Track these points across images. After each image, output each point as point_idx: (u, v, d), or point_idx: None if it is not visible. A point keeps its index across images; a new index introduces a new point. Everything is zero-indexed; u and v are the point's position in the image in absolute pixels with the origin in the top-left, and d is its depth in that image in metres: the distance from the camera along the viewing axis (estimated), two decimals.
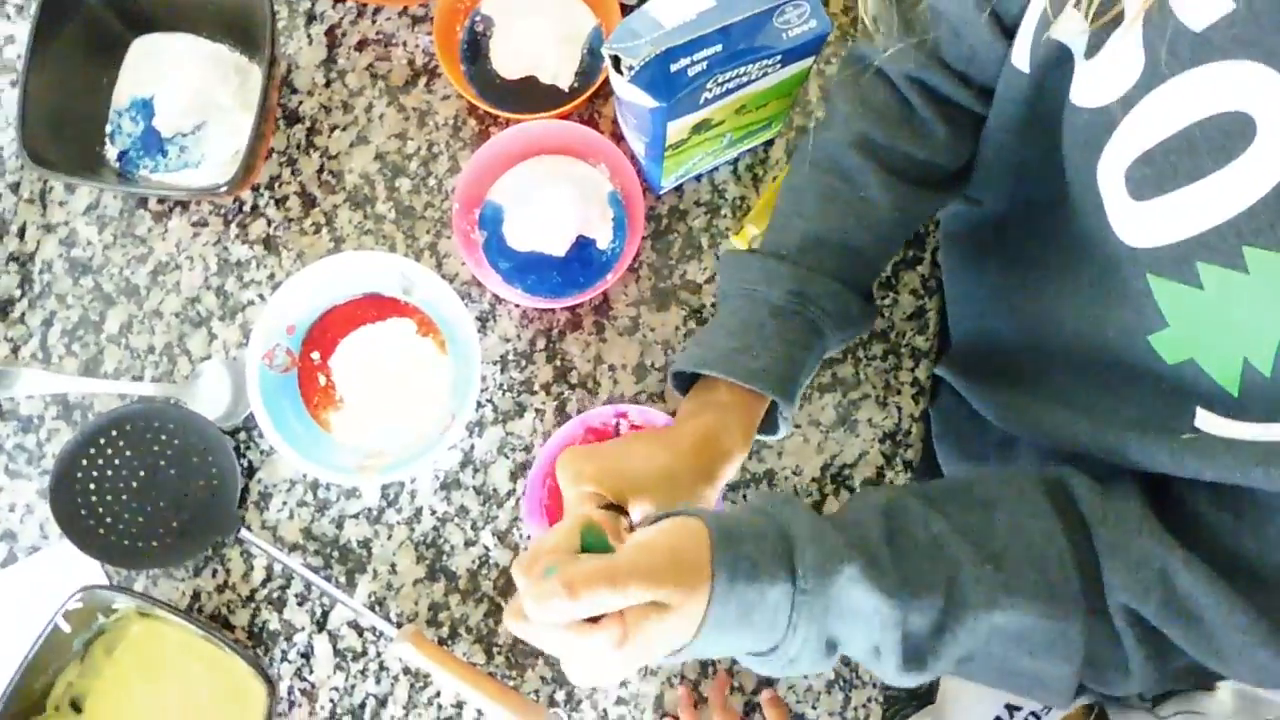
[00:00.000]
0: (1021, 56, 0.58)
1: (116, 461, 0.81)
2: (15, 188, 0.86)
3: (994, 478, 0.59)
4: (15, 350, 0.85)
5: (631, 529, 0.59)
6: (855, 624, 0.52)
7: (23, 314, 0.85)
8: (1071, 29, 0.54)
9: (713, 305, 0.86)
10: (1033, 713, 0.72)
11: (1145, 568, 0.51)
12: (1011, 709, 0.77)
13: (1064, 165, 0.59)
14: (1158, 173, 0.49)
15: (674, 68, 0.64)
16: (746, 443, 0.66)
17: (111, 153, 0.85)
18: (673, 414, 0.74)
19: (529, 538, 0.82)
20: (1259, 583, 0.48)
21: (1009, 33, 0.61)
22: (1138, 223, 0.51)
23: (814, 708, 0.82)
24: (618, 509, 0.60)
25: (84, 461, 0.80)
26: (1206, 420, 0.51)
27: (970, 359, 0.80)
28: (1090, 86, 0.53)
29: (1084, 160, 0.55)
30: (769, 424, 0.70)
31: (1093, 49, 0.52)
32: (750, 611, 0.51)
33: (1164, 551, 0.50)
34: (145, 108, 0.85)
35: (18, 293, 0.85)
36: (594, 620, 0.50)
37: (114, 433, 0.81)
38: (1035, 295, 0.67)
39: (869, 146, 0.69)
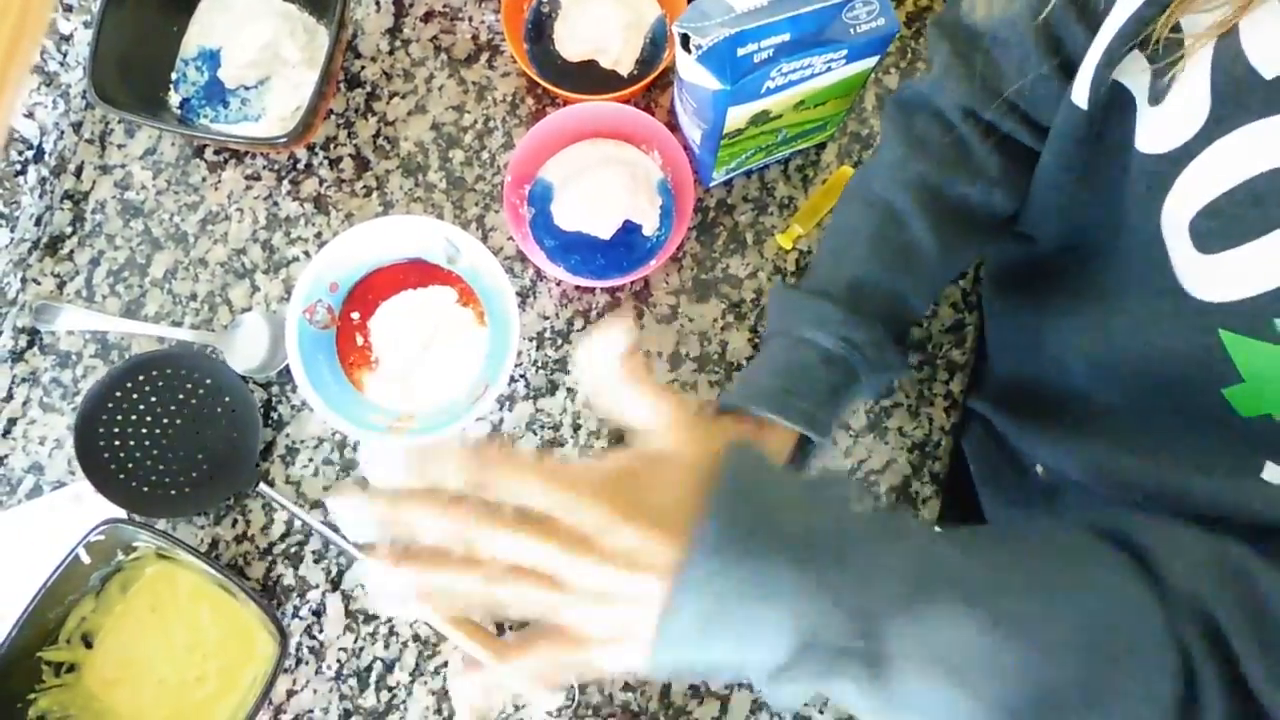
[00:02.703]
0: (1081, 94, 0.57)
1: (141, 406, 0.81)
2: (77, 127, 0.87)
3: (1058, 529, 0.52)
4: (61, 286, 0.86)
5: None
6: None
7: (71, 251, 0.86)
8: (1134, 69, 0.53)
9: (753, 300, 0.86)
10: None
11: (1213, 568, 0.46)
12: None
13: (1124, 211, 0.57)
14: (1224, 226, 0.48)
15: (741, 51, 0.65)
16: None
17: (174, 99, 0.87)
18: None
19: None
20: None
21: (1069, 69, 0.59)
22: (1206, 276, 0.49)
23: (821, 711, 0.81)
24: None
25: (109, 404, 0.80)
26: (1275, 473, 0.49)
27: (1015, 397, 0.78)
28: (1154, 132, 0.52)
29: (1146, 208, 0.54)
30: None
31: (1159, 94, 0.51)
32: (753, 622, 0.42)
33: (1238, 553, 0.45)
34: (211, 58, 0.87)
35: (69, 230, 0.86)
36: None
37: (141, 377, 0.81)
38: (1094, 340, 0.64)
39: (922, 189, 0.68)
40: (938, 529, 0.49)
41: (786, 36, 0.65)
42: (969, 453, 0.85)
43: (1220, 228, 0.48)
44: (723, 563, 0.40)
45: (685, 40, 0.65)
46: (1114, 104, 0.55)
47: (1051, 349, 0.71)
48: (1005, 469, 0.79)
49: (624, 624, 0.42)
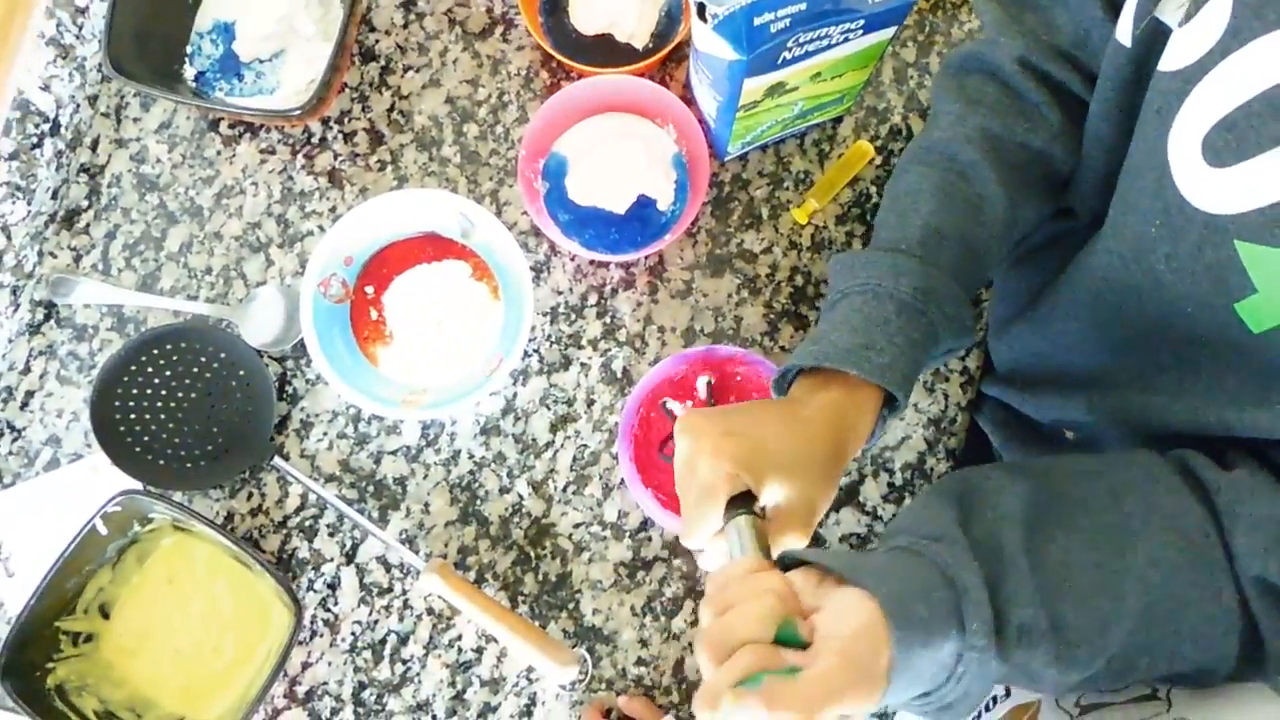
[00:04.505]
0: (1125, 29, 0.57)
1: (157, 380, 0.82)
2: (93, 100, 0.87)
3: (1118, 461, 0.57)
4: (77, 259, 0.86)
5: (763, 514, 0.57)
6: (1016, 671, 0.51)
7: (88, 225, 0.86)
8: (1171, 5, 0.53)
9: (767, 275, 0.86)
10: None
11: (1264, 528, 0.50)
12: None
13: (1140, 130, 0.57)
14: (1239, 138, 0.48)
15: (758, 21, 0.64)
16: (869, 432, 0.64)
17: (189, 72, 0.86)
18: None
19: (621, 482, 0.83)
20: None
21: (1117, 8, 0.59)
22: (1219, 189, 0.50)
23: None
24: (748, 495, 0.58)
25: (125, 377, 0.81)
26: None
27: (1023, 375, 0.78)
28: (1174, 51, 0.52)
29: (1156, 128, 0.54)
30: None
31: (1188, 16, 0.51)
32: (923, 671, 0.50)
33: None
34: (226, 31, 0.87)
35: (85, 203, 0.86)
36: None
37: (156, 350, 0.81)
38: (1098, 279, 0.64)
39: (986, 139, 0.67)
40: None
41: (803, 6, 0.64)
42: (987, 427, 0.84)
43: (1235, 141, 0.48)
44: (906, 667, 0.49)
45: (701, 9, 0.64)
46: (1155, 43, 0.55)
47: (1063, 300, 0.70)
48: (1030, 436, 0.79)
49: None
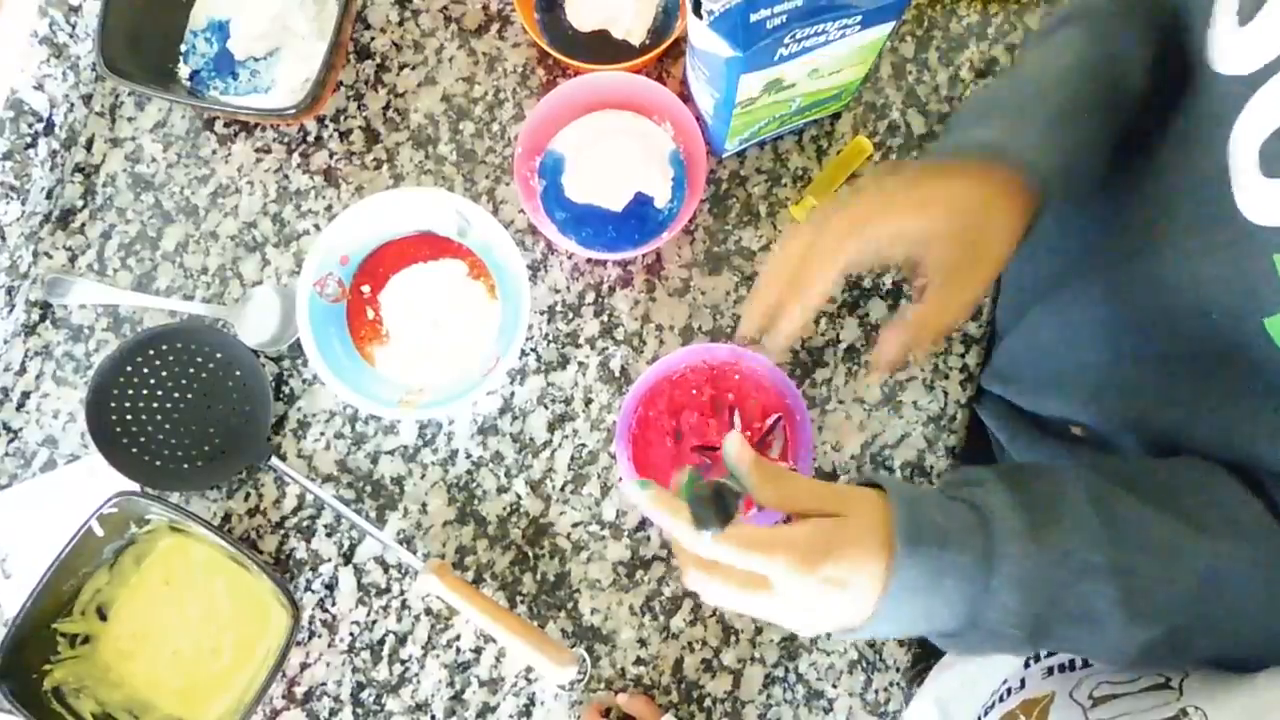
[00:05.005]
0: None
1: (152, 381, 0.81)
2: (88, 99, 0.87)
3: (1170, 462, 0.58)
4: (73, 259, 0.86)
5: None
6: (1062, 580, 0.51)
7: (83, 224, 0.86)
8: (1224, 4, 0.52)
9: None
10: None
11: None
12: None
13: (1189, 132, 0.56)
14: None
15: (754, 17, 0.64)
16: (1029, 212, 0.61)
17: (184, 71, 0.86)
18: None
19: (619, 480, 0.83)
20: None
21: None
22: (1270, 200, 0.48)
23: (835, 686, 0.80)
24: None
25: (121, 378, 0.80)
26: None
27: (1027, 371, 0.77)
28: (1237, 53, 0.51)
29: (1214, 129, 0.53)
30: None
31: (1248, 14, 0.50)
32: (941, 577, 0.50)
33: None
34: (221, 30, 0.86)
35: (80, 203, 0.86)
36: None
37: (152, 351, 0.81)
38: (1120, 286, 0.63)
39: (1093, 31, 0.65)
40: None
41: (800, 2, 0.64)
42: (990, 421, 0.83)
43: None
44: (911, 586, 0.50)
45: (697, 5, 0.64)
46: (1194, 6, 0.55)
47: (1068, 311, 0.69)
48: (1034, 430, 0.78)
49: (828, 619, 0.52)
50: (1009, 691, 0.64)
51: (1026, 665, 0.65)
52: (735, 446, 0.56)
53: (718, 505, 0.51)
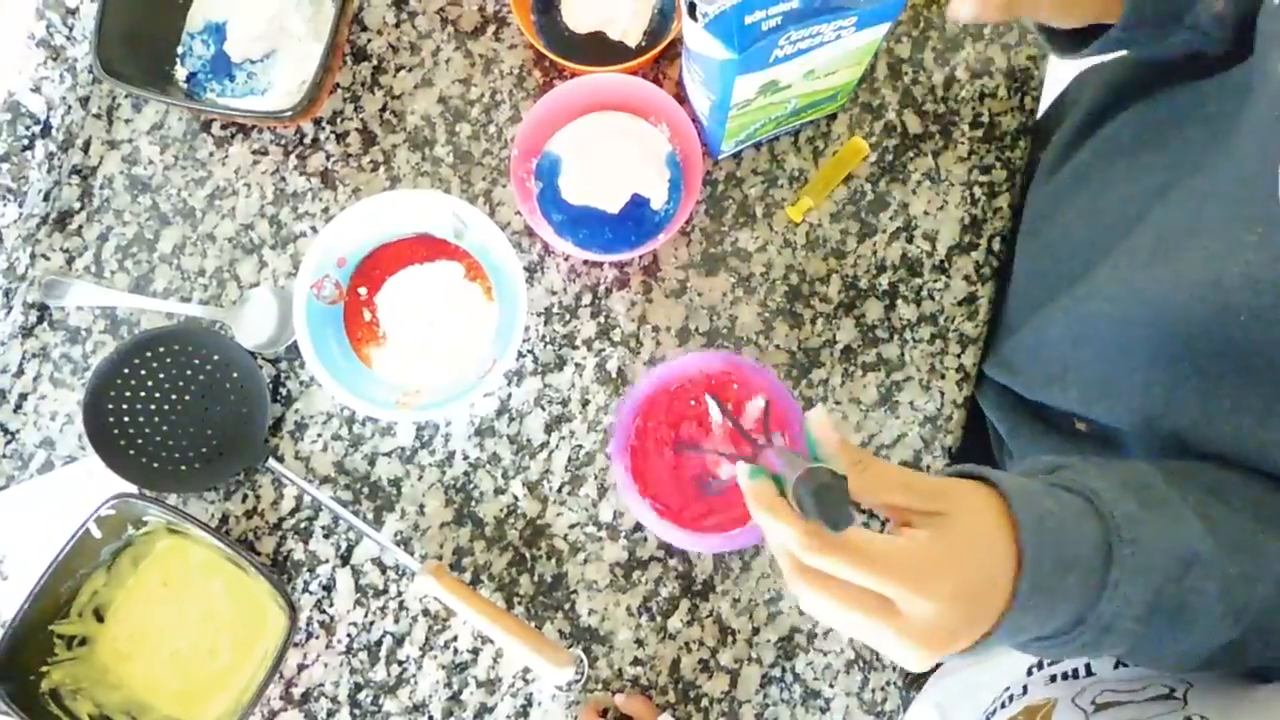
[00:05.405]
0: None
1: (150, 383, 0.81)
2: (85, 101, 0.87)
3: (1203, 465, 0.57)
4: (70, 261, 0.86)
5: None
6: (1171, 571, 0.47)
7: (80, 227, 0.86)
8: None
9: (762, 274, 0.85)
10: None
11: None
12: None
13: (1232, 134, 0.55)
14: None
15: (748, 19, 0.64)
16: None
17: (181, 73, 0.86)
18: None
19: (613, 483, 0.83)
20: None
21: None
22: None
23: (832, 685, 0.81)
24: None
25: (118, 380, 0.80)
26: None
27: (1036, 361, 0.76)
28: None
29: (1261, 130, 0.52)
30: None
31: None
32: (1065, 573, 0.46)
33: None
34: (217, 32, 0.86)
35: (77, 205, 0.86)
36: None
37: (149, 353, 0.81)
38: (1137, 286, 0.62)
39: None
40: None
41: (795, 3, 0.64)
42: (991, 411, 0.83)
43: None
44: (1041, 589, 0.46)
45: (692, 8, 0.64)
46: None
47: (1084, 306, 0.68)
48: (1036, 424, 0.78)
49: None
50: (1011, 698, 0.64)
51: (1029, 672, 0.65)
52: (821, 424, 0.50)
53: (844, 496, 0.44)
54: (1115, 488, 0.48)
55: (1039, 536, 0.46)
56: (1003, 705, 0.64)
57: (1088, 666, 0.62)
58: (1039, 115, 0.90)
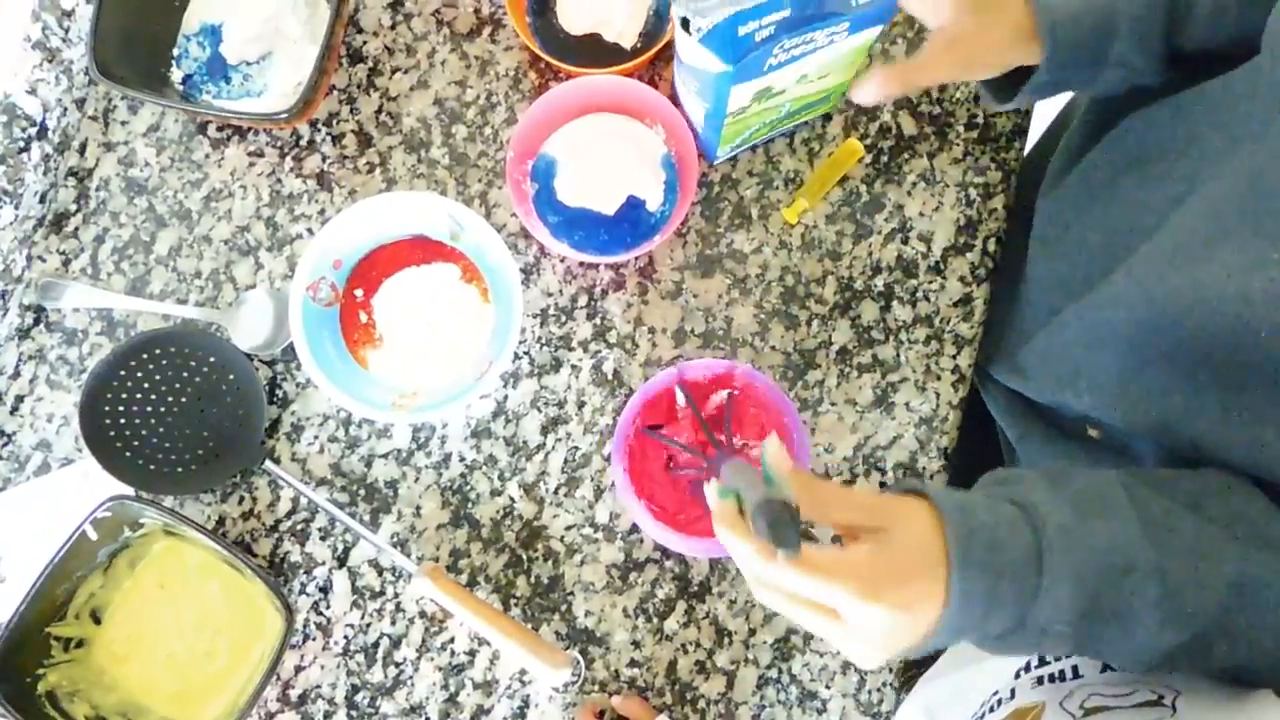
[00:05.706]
0: None
1: (146, 384, 0.81)
2: (81, 104, 0.87)
3: (1188, 473, 0.58)
4: (66, 263, 0.86)
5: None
6: (1106, 576, 0.50)
7: (76, 228, 0.86)
8: None
9: (757, 275, 0.85)
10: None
11: None
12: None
13: (1258, 150, 0.55)
14: None
15: (742, 30, 0.64)
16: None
17: (176, 75, 0.86)
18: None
19: (613, 485, 0.83)
20: None
21: None
22: None
23: (828, 687, 0.81)
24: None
25: (115, 382, 0.80)
26: None
27: (1047, 367, 0.76)
28: None
29: None
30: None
31: None
32: (998, 580, 0.50)
33: None
34: (213, 34, 0.86)
35: (73, 207, 0.86)
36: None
37: (146, 355, 0.81)
38: (1159, 294, 0.61)
39: None
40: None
41: (787, 12, 0.64)
42: (999, 416, 0.83)
43: None
44: (972, 595, 0.50)
45: (685, 23, 0.64)
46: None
47: (1099, 312, 0.68)
48: (1047, 429, 0.78)
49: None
50: (999, 701, 0.64)
51: (1017, 675, 0.65)
52: (776, 452, 0.55)
53: (794, 525, 0.49)
54: (1055, 500, 0.52)
55: (967, 546, 0.50)
56: (991, 709, 0.64)
57: (1075, 669, 0.62)
58: (1048, 118, 0.90)
